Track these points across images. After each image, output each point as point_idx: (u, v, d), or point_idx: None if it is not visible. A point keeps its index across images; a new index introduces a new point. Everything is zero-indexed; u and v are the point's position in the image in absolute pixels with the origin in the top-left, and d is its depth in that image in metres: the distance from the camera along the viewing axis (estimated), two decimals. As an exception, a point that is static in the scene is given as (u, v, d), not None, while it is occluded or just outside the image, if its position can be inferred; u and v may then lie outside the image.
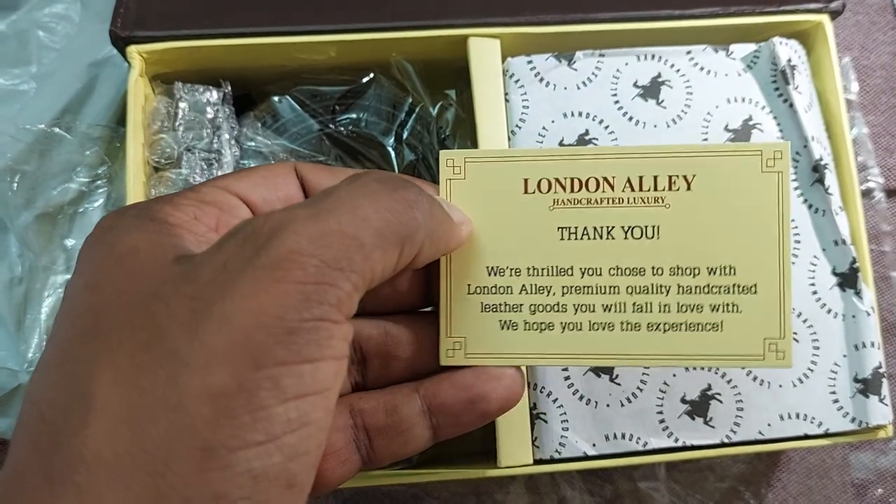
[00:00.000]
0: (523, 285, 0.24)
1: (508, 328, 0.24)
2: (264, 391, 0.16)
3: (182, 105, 0.32)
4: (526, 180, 0.24)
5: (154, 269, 0.18)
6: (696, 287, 0.23)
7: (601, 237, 0.23)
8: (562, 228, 0.24)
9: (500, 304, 0.24)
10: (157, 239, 0.19)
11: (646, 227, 0.23)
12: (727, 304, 0.23)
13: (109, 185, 0.33)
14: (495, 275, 0.24)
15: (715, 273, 0.23)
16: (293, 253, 0.17)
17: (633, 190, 0.23)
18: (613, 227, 0.23)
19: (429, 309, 0.25)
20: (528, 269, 0.24)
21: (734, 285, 0.23)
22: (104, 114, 0.35)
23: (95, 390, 0.16)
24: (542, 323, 0.24)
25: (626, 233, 0.23)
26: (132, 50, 0.31)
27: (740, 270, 0.23)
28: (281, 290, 0.16)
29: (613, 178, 0.23)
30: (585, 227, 0.23)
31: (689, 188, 0.23)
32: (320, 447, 0.18)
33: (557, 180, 0.24)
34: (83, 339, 0.17)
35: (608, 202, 0.23)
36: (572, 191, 0.24)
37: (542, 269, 0.24)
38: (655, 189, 0.23)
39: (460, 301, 0.24)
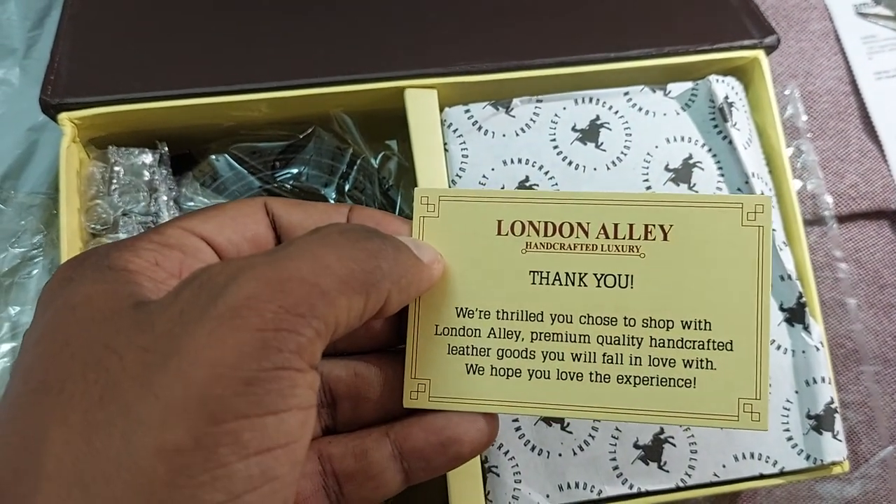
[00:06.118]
0: (492, 329, 0.23)
1: (475, 372, 0.23)
2: (223, 447, 0.15)
3: (117, 169, 0.31)
4: (500, 221, 0.23)
5: (108, 319, 0.17)
6: (668, 340, 0.22)
7: (573, 283, 0.23)
8: (534, 272, 0.23)
9: (468, 347, 0.23)
10: (114, 288, 0.18)
11: (619, 275, 0.23)
12: (701, 360, 0.22)
13: (44, 255, 0.33)
14: (464, 316, 0.23)
15: (689, 327, 0.22)
16: (250, 300, 0.16)
17: (607, 237, 0.23)
18: (586, 275, 0.23)
19: (402, 346, 0.24)
20: (498, 312, 0.23)
21: (709, 341, 0.22)
22: (44, 178, 0.35)
23: (47, 451, 0.15)
24: (509, 369, 0.23)
25: (598, 280, 0.23)
26: (63, 117, 0.31)
27: (716, 326, 0.22)
28: (238, 339, 0.16)
29: (588, 223, 0.23)
30: (558, 273, 0.23)
31: (665, 238, 0.23)
32: (286, 503, 0.17)
33: (531, 223, 0.23)
34: (34, 395, 0.17)
35: (582, 248, 0.23)
36: (546, 235, 0.23)
37: (513, 314, 0.23)
38: (631, 237, 0.23)
39: (427, 341, 0.23)
